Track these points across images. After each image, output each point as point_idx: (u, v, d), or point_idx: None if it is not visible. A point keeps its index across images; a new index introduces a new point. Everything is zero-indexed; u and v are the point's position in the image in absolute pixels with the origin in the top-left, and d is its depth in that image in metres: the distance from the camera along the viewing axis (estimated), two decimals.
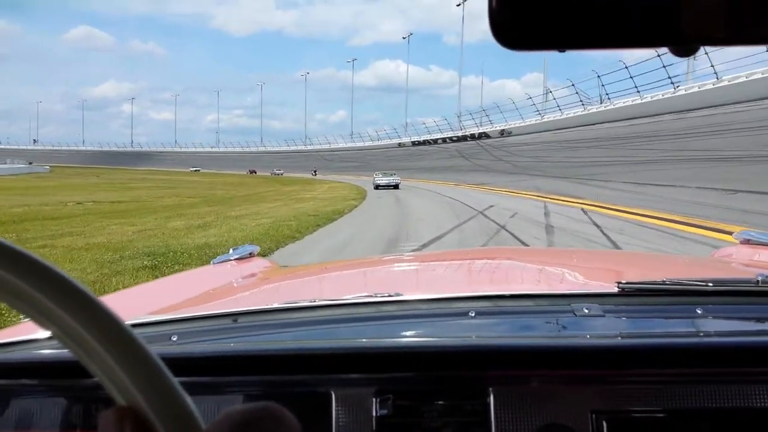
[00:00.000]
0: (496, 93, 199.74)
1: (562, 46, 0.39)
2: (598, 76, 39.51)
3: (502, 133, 53.36)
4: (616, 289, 1.13)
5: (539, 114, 49.87)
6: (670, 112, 30.58)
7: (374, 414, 0.85)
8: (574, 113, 43.21)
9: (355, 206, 19.89)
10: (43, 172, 79.04)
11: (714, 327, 1.08)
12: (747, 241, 2.12)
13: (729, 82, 27.34)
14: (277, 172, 79.16)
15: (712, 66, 28.42)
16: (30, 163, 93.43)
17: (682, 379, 0.85)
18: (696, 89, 30.02)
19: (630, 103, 36.10)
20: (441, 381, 0.88)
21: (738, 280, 1.26)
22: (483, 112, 60.14)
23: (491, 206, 17.90)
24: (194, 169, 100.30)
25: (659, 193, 19.74)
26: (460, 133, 61.59)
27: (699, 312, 1.07)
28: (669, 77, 32.22)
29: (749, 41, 0.38)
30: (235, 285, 1.80)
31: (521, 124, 51.77)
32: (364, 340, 1.01)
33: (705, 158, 23.44)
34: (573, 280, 1.67)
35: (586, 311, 1.06)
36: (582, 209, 15.99)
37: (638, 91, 35.55)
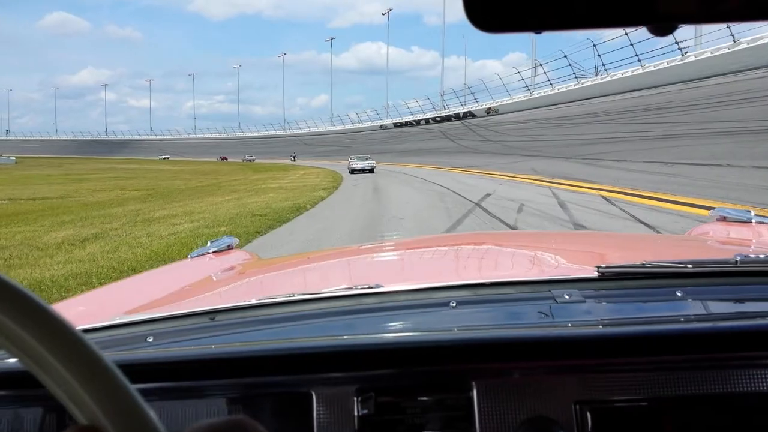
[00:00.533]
0: (478, 73, 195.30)
1: (537, 27, 0.38)
2: (594, 45, 36.30)
3: (489, 111, 50.45)
4: (596, 274, 1.13)
5: (528, 90, 46.66)
6: (680, 82, 27.45)
7: (356, 413, 0.84)
8: (567, 87, 40.22)
9: (323, 198, 16.33)
10: (7, 163, 76.11)
11: (694, 310, 1.06)
12: (723, 219, 2.08)
13: (748, 44, 24.32)
14: (249, 158, 75.98)
15: (728, 28, 25.15)
16: None
17: (665, 366, 0.85)
18: (708, 55, 26.92)
19: (630, 73, 33.03)
20: (423, 376, 0.86)
21: (717, 260, 1.22)
22: (468, 89, 57.01)
23: (488, 195, 14.53)
24: (163, 156, 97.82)
25: (701, 175, 16.26)
26: (444, 113, 58.35)
27: (679, 294, 1.08)
28: (677, 42, 28.88)
29: (728, 18, 0.37)
30: (213, 279, 1.74)
31: (509, 102, 48.63)
32: (344, 336, 0.99)
33: (743, 130, 20.15)
34: (553, 264, 1.63)
35: (567, 297, 1.06)
36: (603, 197, 12.63)
37: (639, 61, 32.43)
